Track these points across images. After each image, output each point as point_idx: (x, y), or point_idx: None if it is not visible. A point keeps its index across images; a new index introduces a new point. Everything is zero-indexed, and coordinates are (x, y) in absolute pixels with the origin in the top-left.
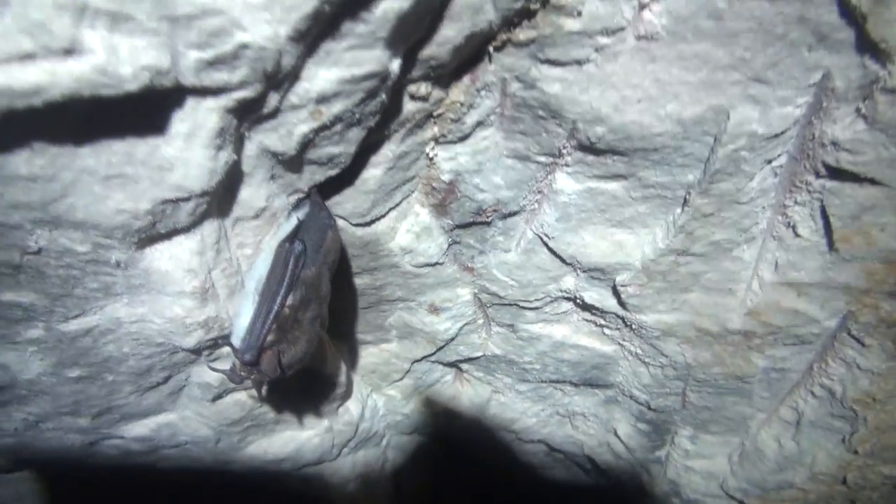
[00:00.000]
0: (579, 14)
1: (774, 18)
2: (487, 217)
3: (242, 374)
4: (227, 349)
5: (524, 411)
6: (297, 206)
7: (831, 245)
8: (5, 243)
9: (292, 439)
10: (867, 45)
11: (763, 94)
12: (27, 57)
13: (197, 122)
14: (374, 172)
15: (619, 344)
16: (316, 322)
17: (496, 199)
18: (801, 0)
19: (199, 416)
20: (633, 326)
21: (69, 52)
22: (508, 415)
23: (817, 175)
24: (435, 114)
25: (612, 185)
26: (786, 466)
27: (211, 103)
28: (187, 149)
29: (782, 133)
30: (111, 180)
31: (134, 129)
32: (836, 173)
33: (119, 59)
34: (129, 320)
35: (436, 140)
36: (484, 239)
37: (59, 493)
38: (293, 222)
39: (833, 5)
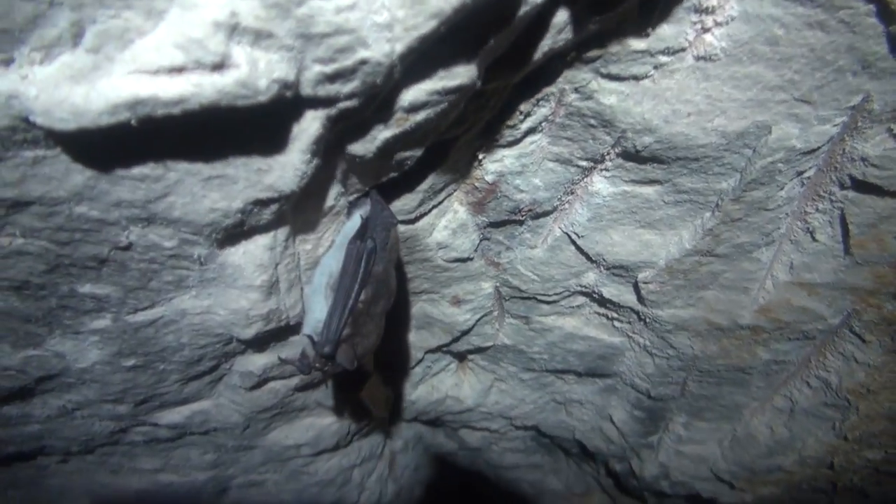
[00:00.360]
0: (647, 35)
1: (826, 47)
2: (522, 216)
3: (317, 365)
4: (275, 340)
5: (523, 398)
6: (356, 203)
7: (847, 250)
8: (99, 238)
9: (312, 426)
10: None
11: (805, 113)
12: (177, 70)
13: (301, 128)
14: (426, 173)
15: (628, 336)
16: (384, 315)
17: (532, 200)
18: (854, 32)
19: (233, 403)
20: (647, 320)
21: (218, 66)
22: (507, 401)
23: (842, 186)
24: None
25: (647, 190)
26: (776, 451)
27: (317, 112)
28: (287, 153)
29: (817, 149)
30: (211, 181)
31: (243, 134)
32: (861, 185)
33: (258, 72)
34: (194, 312)
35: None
36: (513, 236)
37: (64, 476)
38: (356, 220)
39: (882, 39)
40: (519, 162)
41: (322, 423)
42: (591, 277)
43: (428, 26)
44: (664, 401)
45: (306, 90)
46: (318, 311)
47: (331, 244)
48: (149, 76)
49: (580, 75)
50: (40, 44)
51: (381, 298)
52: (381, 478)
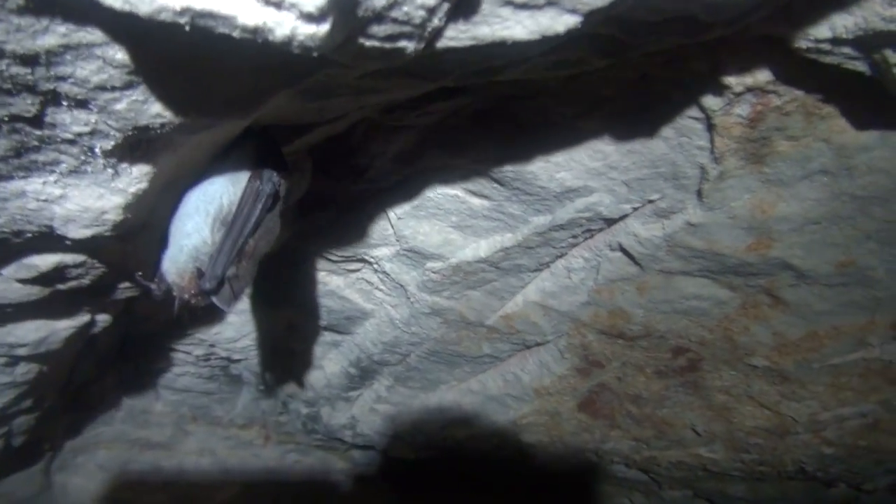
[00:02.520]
0: None
1: (661, 157)
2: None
3: (185, 297)
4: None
5: (250, 332)
6: (245, 136)
7: (589, 292)
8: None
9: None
10: (698, 195)
11: (621, 193)
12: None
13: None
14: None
15: (382, 306)
16: (261, 257)
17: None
18: (685, 155)
19: None
20: (412, 300)
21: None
22: (229, 333)
23: (610, 248)
24: None
25: (476, 201)
26: (456, 423)
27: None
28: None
29: (612, 219)
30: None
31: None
32: (622, 251)
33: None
34: (36, 196)
35: None
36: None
37: None
38: (245, 155)
39: (697, 169)
40: None
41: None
42: (383, 251)
43: None
44: (382, 365)
45: None
46: (193, 237)
47: (205, 171)
48: None
49: None
50: None
51: (262, 242)
52: None
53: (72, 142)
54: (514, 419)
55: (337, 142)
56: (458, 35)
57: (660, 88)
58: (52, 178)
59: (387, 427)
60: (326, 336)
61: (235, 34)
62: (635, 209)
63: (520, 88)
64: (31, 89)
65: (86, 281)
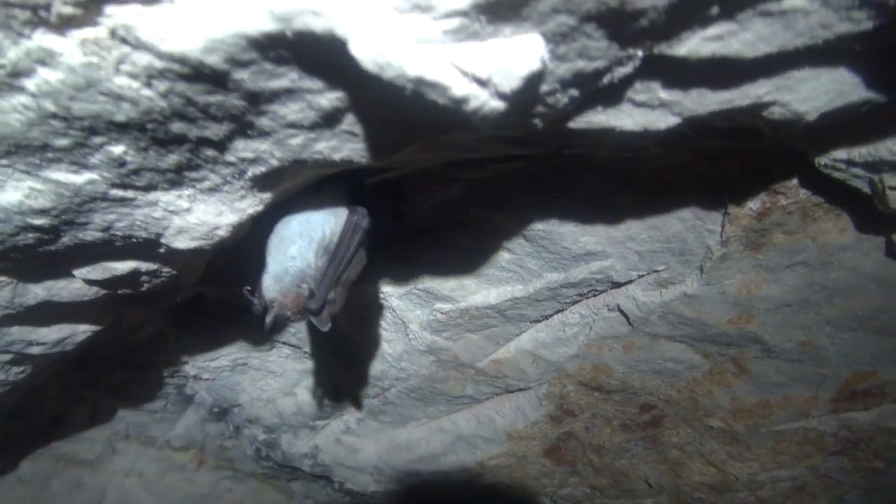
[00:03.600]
0: None
1: (675, 234)
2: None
3: (286, 314)
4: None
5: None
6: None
7: (580, 346)
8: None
9: None
10: (699, 270)
11: (633, 262)
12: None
13: None
14: None
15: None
16: (350, 284)
17: None
18: (695, 235)
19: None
20: (410, 337)
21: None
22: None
23: (608, 308)
24: None
25: (501, 253)
26: (423, 460)
27: None
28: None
29: (619, 283)
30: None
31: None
32: (619, 311)
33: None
34: (163, 206)
35: None
36: None
37: None
38: (338, 192)
39: (703, 248)
40: None
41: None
42: (394, 288)
43: None
44: (359, 396)
45: None
46: (298, 260)
47: (299, 199)
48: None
49: None
50: None
51: (353, 271)
52: None
53: (231, 164)
54: (481, 460)
55: (388, 184)
56: (577, 118)
57: (690, 176)
58: (188, 192)
59: (350, 459)
60: (307, 363)
61: (441, 101)
62: (640, 276)
63: (572, 161)
64: (235, 119)
65: (145, 288)
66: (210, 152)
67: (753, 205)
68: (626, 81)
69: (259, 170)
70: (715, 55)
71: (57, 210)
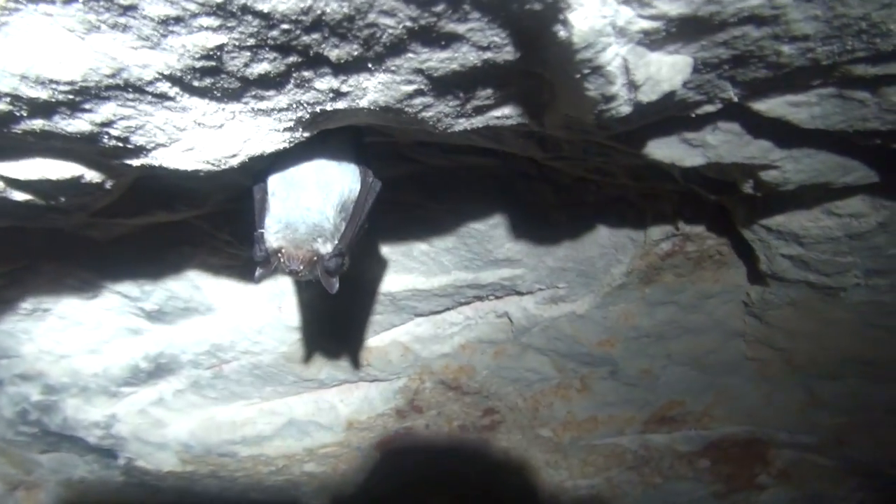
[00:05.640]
0: None
1: (589, 258)
2: None
3: (294, 267)
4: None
5: None
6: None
7: (454, 346)
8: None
9: None
10: (594, 294)
11: (541, 275)
12: None
13: None
14: None
15: (236, 307)
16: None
17: None
18: (605, 262)
19: None
20: (282, 308)
21: None
22: None
23: (496, 314)
24: None
25: (419, 244)
26: (237, 442)
27: None
28: None
29: (521, 292)
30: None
31: None
32: (505, 317)
33: None
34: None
35: None
36: None
37: None
38: (356, 153)
39: (608, 275)
40: None
41: None
42: None
43: None
44: (184, 366)
45: None
46: (314, 213)
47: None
48: None
49: None
50: None
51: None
52: None
53: (315, 91)
54: (311, 447)
55: None
56: (632, 138)
57: (626, 209)
58: (239, 107)
59: (153, 433)
60: (131, 320)
61: (594, 92)
62: (540, 290)
63: (537, 170)
64: (378, 46)
65: (61, 202)
66: (307, 73)
67: (665, 245)
68: (699, 120)
69: (334, 106)
70: (782, 118)
71: (74, 87)
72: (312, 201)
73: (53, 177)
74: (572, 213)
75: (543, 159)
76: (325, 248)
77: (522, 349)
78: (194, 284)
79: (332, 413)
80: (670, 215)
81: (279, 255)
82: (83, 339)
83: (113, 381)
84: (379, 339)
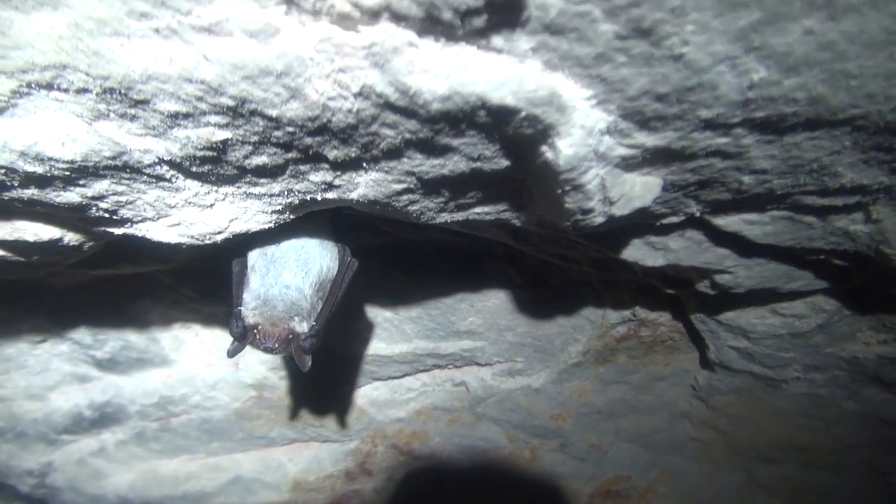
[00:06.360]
0: None
1: (547, 335)
2: None
3: (269, 344)
4: None
5: None
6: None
7: (409, 411)
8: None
9: None
10: (550, 370)
11: (501, 348)
12: None
13: None
14: None
15: (193, 362)
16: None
17: None
18: (563, 340)
19: None
20: (240, 365)
21: None
22: None
23: (453, 383)
24: None
25: (385, 312)
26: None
27: None
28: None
29: (479, 363)
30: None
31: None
32: (462, 386)
33: None
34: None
35: None
36: None
37: None
38: (332, 234)
39: (565, 353)
40: None
41: None
42: None
43: None
44: (131, 417)
45: None
46: (293, 291)
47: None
48: None
49: None
50: None
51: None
52: None
53: (308, 183)
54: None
55: None
56: (601, 239)
57: (588, 293)
58: (231, 189)
59: (91, 485)
60: (80, 367)
61: (572, 205)
62: (499, 362)
63: (506, 251)
64: (376, 151)
65: (35, 259)
66: (304, 167)
67: (621, 329)
68: (664, 228)
69: (325, 196)
70: (738, 232)
71: (73, 166)
72: (292, 279)
73: (31, 238)
74: (535, 292)
75: (513, 246)
76: (301, 326)
77: (477, 418)
78: (152, 336)
79: (279, 472)
80: (628, 302)
81: (255, 331)
82: (26, 383)
83: (53, 429)
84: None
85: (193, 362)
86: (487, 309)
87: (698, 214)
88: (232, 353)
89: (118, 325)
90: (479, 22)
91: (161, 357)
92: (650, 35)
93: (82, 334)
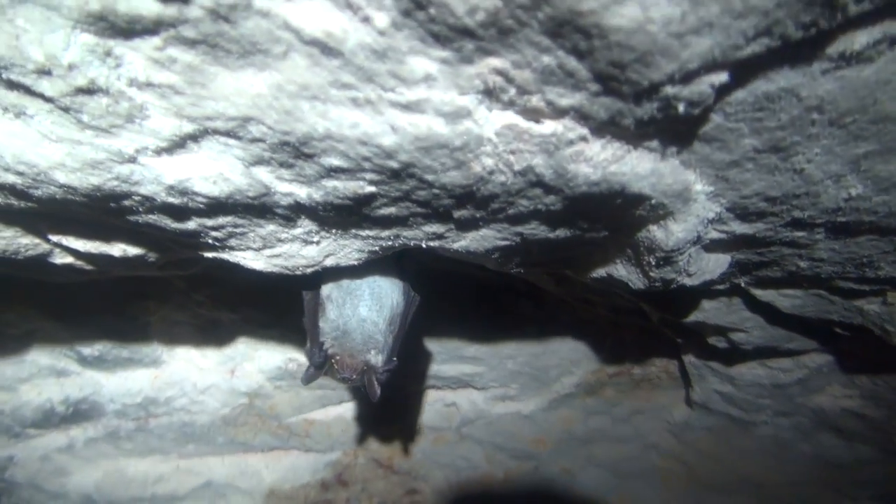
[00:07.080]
0: None
1: (546, 367)
2: None
3: (346, 374)
4: None
5: None
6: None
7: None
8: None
9: None
10: (543, 398)
11: (500, 375)
12: None
13: None
14: None
15: (186, 364)
16: None
17: None
18: (559, 371)
19: None
20: (236, 372)
21: None
22: None
23: (444, 404)
24: None
25: None
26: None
27: None
28: None
29: (475, 387)
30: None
31: None
32: (453, 407)
33: None
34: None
35: None
36: None
37: None
38: (402, 270)
39: (559, 384)
40: None
41: None
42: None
43: None
44: (106, 416)
45: None
46: (368, 324)
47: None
48: None
49: None
50: None
51: None
52: None
53: (416, 229)
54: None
55: None
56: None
57: (592, 331)
58: (341, 231)
59: (53, 481)
60: (60, 361)
61: (666, 275)
62: (494, 387)
63: (527, 287)
64: (504, 214)
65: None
66: (423, 220)
67: (617, 366)
68: (708, 293)
69: (428, 244)
70: (771, 303)
71: (212, 202)
72: (368, 313)
73: (117, 254)
74: (543, 327)
75: (550, 289)
76: (377, 359)
77: (460, 438)
78: (147, 336)
79: (255, 478)
80: (629, 343)
81: (333, 361)
82: None
83: (19, 422)
84: (324, 413)
85: (185, 365)
86: (494, 338)
87: (742, 285)
88: (307, 381)
89: (114, 323)
90: (650, 129)
91: (151, 358)
92: (782, 151)
93: (71, 329)
